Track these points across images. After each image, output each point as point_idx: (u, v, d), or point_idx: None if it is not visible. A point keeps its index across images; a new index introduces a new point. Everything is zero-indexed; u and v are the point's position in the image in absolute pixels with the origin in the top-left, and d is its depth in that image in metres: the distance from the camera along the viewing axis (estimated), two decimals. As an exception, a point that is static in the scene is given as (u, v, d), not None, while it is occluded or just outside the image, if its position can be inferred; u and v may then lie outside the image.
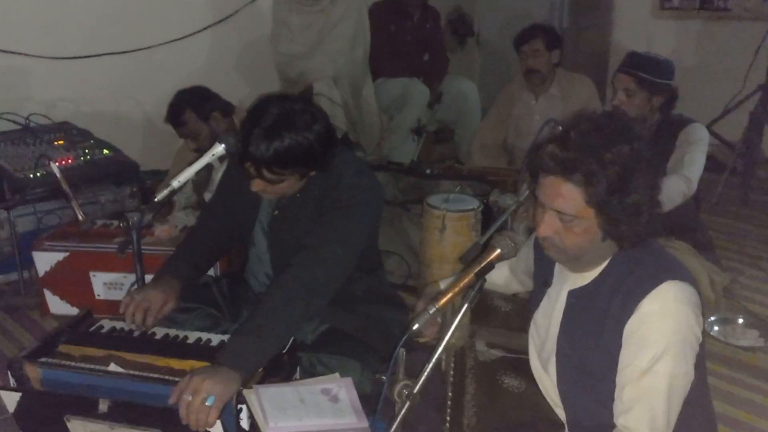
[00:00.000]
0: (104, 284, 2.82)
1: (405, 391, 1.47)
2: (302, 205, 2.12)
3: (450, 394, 1.71)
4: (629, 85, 2.69)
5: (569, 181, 1.42)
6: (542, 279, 1.70)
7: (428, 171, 3.59)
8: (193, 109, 2.99)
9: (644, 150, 1.44)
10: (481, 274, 1.50)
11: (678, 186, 2.61)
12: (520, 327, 1.94)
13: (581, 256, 1.52)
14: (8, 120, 3.53)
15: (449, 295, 1.50)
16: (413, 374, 1.50)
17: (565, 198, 1.43)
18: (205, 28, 4.32)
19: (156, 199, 2.06)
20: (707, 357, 1.65)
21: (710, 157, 2.86)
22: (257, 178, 1.99)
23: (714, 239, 3.26)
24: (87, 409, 1.71)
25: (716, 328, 2.81)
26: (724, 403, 2.34)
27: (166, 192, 2.06)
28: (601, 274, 1.54)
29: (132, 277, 2.24)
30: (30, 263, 2.92)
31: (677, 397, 1.45)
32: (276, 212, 2.18)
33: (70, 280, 2.83)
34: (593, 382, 1.54)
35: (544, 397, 1.69)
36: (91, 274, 2.81)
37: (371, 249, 2.29)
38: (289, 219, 2.14)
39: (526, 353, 1.79)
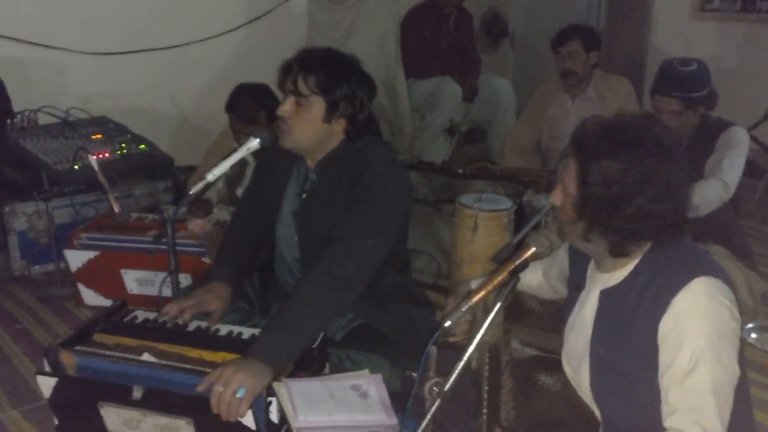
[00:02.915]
0: (135, 280, 2.86)
1: (436, 389, 1.47)
2: (331, 190, 2.11)
3: (486, 388, 1.69)
4: (676, 107, 2.62)
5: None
6: (576, 283, 1.68)
7: (460, 171, 3.57)
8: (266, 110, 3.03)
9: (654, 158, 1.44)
10: (515, 273, 1.49)
11: (715, 190, 2.56)
12: (553, 329, 1.92)
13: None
14: (48, 113, 3.60)
15: (482, 293, 1.49)
16: (443, 372, 1.49)
17: (569, 177, 1.50)
18: (239, 26, 4.37)
19: (191, 192, 2.07)
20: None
21: (749, 162, 2.80)
22: (289, 95, 2.03)
23: (752, 245, 3.19)
24: (120, 396, 1.73)
25: (754, 335, 2.75)
26: (761, 412, 2.29)
27: (201, 185, 2.07)
28: (631, 272, 1.52)
29: (162, 275, 2.26)
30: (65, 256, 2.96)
31: (725, 393, 1.41)
32: (304, 195, 2.18)
33: (102, 276, 2.88)
34: (626, 382, 1.52)
35: (580, 395, 1.67)
36: (122, 271, 2.85)
37: (400, 246, 2.27)
38: (318, 204, 2.14)
39: (560, 354, 1.76)
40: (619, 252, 1.50)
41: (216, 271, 2.21)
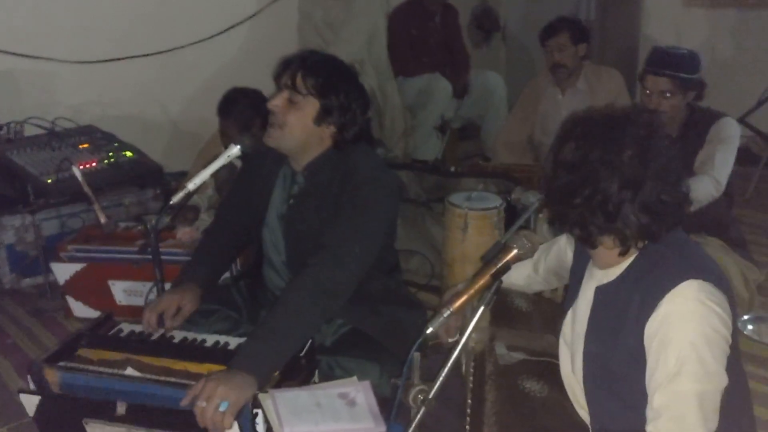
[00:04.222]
0: (124, 291, 2.83)
1: (420, 396, 1.44)
2: (319, 195, 2.09)
3: (469, 401, 1.66)
4: (666, 86, 2.59)
5: None
6: (579, 276, 1.65)
7: (452, 169, 3.55)
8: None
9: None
10: (498, 276, 1.46)
11: (706, 188, 2.54)
12: (541, 328, 1.89)
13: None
14: (34, 124, 3.57)
15: (464, 298, 1.47)
16: (430, 379, 1.46)
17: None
18: (227, 29, 4.33)
19: (171, 202, 2.05)
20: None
21: (744, 150, 2.78)
22: (283, 90, 2.02)
23: (748, 234, 3.16)
24: (105, 413, 1.71)
25: (750, 327, 2.72)
26: (760, 406, 2.26)
27: (181, 194, 2.05)
28: (626, 270, 1.49)
29: (150, 284, 2.25)
30: (53, 269, 2.95)
31: (710, 402, 1.37)
32: (291, 201, 2.16)
33: (90, 288, 2.86)
34: (617, 382, 1.49)
35: (567, 401, 1.64)
36: (110, 282, 2.83)
37: (388, 249, 2.25)
38: (305, 208, 2.12)
39: (548, 356, 1.74)
40: (584, 241, 1.48)
41: (188, 273, 2.21)
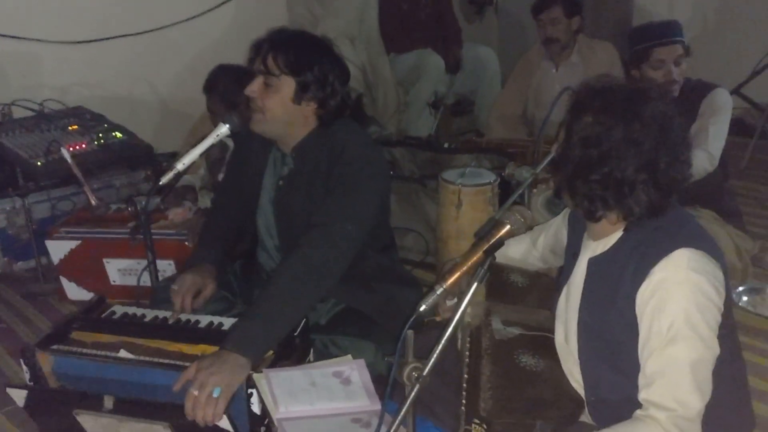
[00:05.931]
0: (118, 270, 2.81)
1: (414, 374, 1.43)
2: (308, 176, 2.08)
3: (465, 376, 1.66)
4: (679, 51, 2.63)
5: None
6: (572, 251, 1.65)
7: (446, 145, 3.53)
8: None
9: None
10: (491, 252, 1.44)
11: (701, 162, 2.55)
12: (538, 303, 1.89)
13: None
14: (22, 107, 3.53)
15: (456, 275, 1.45)
16: (424, 357, 1.45)
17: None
18: (215, 7, 4.27)
19: (161, 183, 2.03)
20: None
21: (739, 121, 2.78)
22: (258, 75, 1.99)
23: (742, 205, 3.16)
24: (93, 405, 1.70)
25: (745, 298, 2.72)
26: (755, 377, 2.26)
27: (170, 174, 2.03)
28: (619, 240, 1.50)
29: (145, 263, 2.24)
30: (47, 250, 2.91)
31: (703, 368, 1.38)
32: (281, 182, 2.15)
33: (85, 267, 2.83)
34: (611, 351, 1.50)
35: (563, 375, 1.64)
36: (105, 261, 2.80)
37: (382, 227, 2.24)
38: (296, 190, 2.11)
39: (544, 330, 1.74)
40: (588, 215, 1.48)
41: (200, 255, 2.21)
